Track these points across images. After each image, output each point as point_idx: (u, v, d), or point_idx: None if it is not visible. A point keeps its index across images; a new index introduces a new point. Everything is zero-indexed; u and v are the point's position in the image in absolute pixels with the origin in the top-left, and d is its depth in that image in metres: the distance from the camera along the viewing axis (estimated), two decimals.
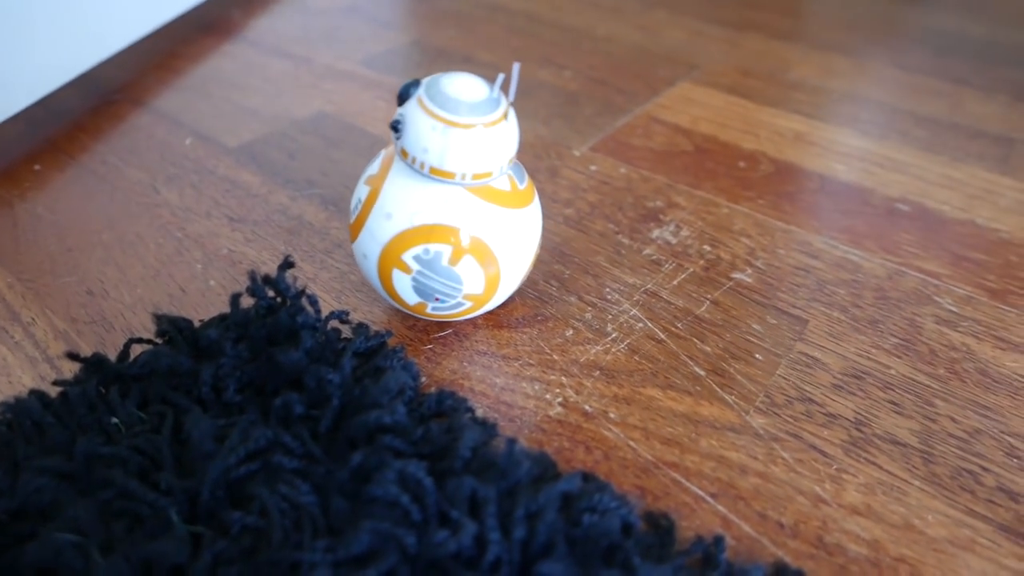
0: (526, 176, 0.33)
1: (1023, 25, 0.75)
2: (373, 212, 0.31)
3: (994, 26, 0.75)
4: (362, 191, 0.32)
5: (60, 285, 0.37)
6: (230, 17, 0.73)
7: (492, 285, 0.32)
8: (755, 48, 0.68)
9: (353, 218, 0.32)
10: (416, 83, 0.29)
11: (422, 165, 0.29)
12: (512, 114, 0.30)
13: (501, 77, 0.30)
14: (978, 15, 0.78)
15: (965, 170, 0.49)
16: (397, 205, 0.30)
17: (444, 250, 0.30)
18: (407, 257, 0.30)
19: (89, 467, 0.24)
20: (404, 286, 0.31)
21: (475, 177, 0.30)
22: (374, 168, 0.32)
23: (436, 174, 0.29)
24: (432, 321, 0.35)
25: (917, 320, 0.36)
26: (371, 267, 0.32)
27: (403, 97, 0.29)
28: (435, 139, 0.29)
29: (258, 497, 0.23)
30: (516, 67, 0.30)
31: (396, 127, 0.29)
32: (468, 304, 0.32)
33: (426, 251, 0.30)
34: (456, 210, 0.30)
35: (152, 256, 0.39)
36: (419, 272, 0.31)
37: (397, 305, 0.33)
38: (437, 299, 0.32)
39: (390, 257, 0.31)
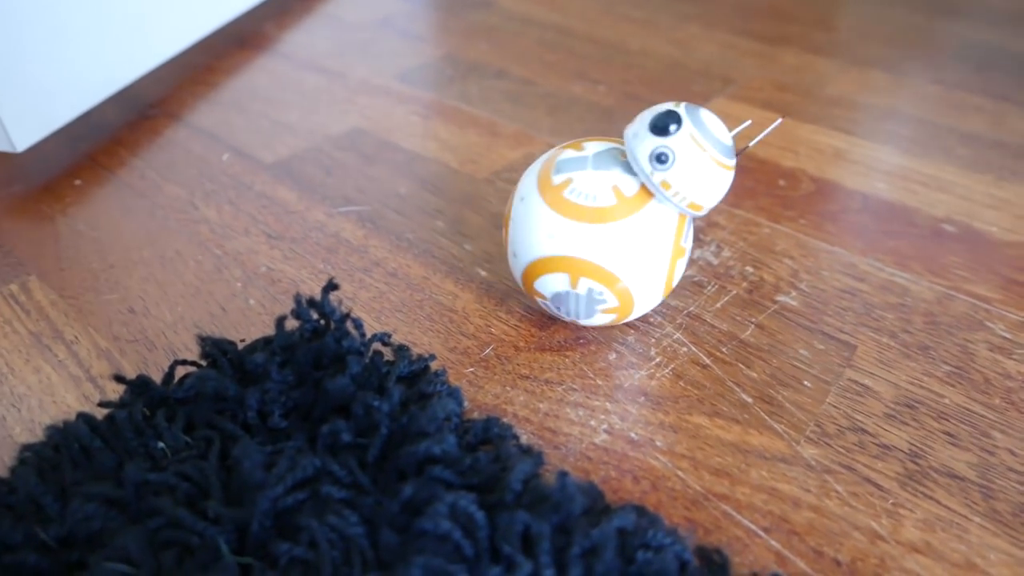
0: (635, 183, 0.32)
1: None
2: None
3: None
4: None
5: (102, 302, 0.37)
6: (265, 31, 0.74)
7: (626, 298, 0.32)
8: (791, 62, 0.68)
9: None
10: (676, 118, 0.29)
11: (683, 200, 0.30)
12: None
13: (745, 124, 0.33)
14: (1018, 29, 0.76)
15: (1011, 189, 0.48)
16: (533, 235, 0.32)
17: (606, 292, 0.32)
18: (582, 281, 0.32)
19: (138, 494, 0.24)
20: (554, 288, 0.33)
21: (691, 207, 0.30)
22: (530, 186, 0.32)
23: (692, 208, 0.30)
24: (473, 343, 0.35)
25: (969, 347, 0.35)
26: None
27: (662, 129, 0.29)
28: (707, 177, 0.29)
29: (307, 528, 0.23)
30: (777, 122, 0.32)
31: (663, 158, 0.29)
32: (614, 316, 0.33)
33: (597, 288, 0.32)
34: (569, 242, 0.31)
35: (192, 274, 0.39)
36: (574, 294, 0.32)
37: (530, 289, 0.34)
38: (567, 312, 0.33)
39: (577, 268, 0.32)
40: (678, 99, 0.59)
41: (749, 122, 0.33)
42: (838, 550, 0.26)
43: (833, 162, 0.51)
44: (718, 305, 0.38)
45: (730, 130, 0.31)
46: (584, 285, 0.31)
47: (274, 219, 0.44)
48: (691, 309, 0.37)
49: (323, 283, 0.33)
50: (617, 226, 0.30)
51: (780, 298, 0.38)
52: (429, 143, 0.53)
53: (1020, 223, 0.45)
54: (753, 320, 0.37)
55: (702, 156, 0.29)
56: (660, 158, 0.29)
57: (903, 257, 0.42)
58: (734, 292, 0.39)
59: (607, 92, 0.61)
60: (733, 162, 0.30)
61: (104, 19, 0.51)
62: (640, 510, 0.26)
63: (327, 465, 0.25)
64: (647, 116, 0.30)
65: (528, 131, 0.55)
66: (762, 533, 0.27)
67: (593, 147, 0.32)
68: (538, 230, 0.31)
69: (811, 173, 0.50)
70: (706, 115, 0.30)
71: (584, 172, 0.31)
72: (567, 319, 0.34)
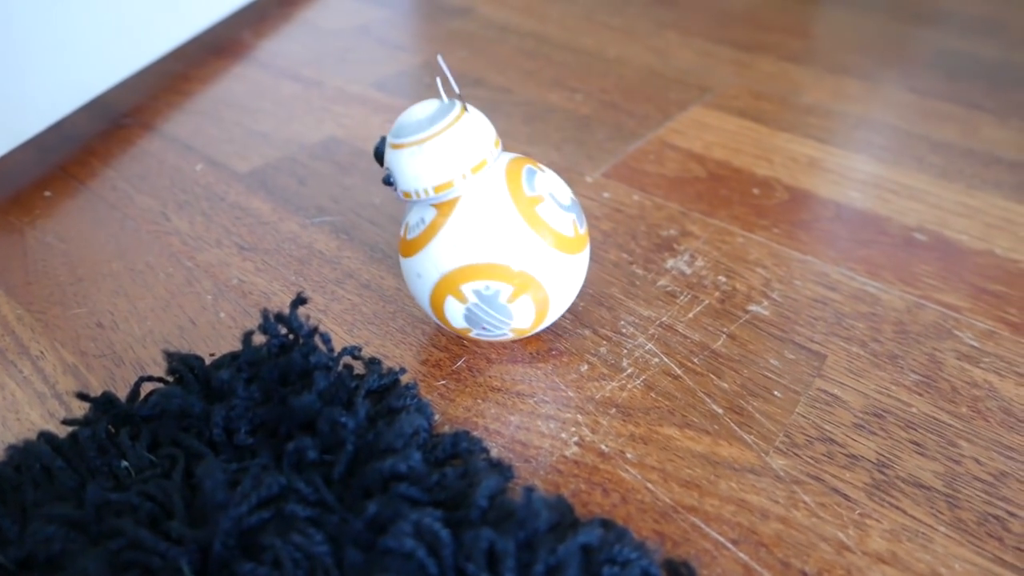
0: (584, 220, 0.34)
1: None
2: (439, 237, 0.31)
3: (1008, 49, 0.74)
4: (428, 212, 0.31)
5: (70, 317, 0.37)
6: (241, 39, 0.73)
7: (538, 321, 0.33)
8: (767, 70, 0.68)
9: (413, 235, 0.32)
10: (383, 141, 0.31)
11: (420, 193, 0.30)
12: (469, 114, 0.31)
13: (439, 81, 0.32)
14: (991, 37, 0.77)
15: (982, 198, 0.49)
16: (467, 238, 0.30)
17: (504, 288, 0.31)
18: (466, 288, 0.31)
19: (99, 515, 0.24)
20: (455, 313, 0.32)
21: (436, 190, 0.30)
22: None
23: (407, 196, 0.31)
24: (445, 355, 0.35)
25: (938, 355, 0.36)
26: (424, 288, 0.32)
27: (380, 153, 0.31)
28: (399, 165, 0.30)
29: (271, 547, 0.23)
30: (439, 58, 0.31)
31: (388, 181, 0.31)
32: (511, 335, 0.33)
33: (487, 287, 0.31)
34: (523, 252, 0.30)
35: (162, 287, 0.39)
36: (475, 304, 0.31)
37: (438, 321, 0.34)
38: (484, 328, 0.32)
39: (448, 285, 0.31)
40: (656, 108, 0.60)
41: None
42: (805, 561, 0.26)
43: (807, 171, 0.52)
44: (690, 315, 0.38)
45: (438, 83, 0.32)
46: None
47: (247, 230, 0.44)
48: (663, 319, 0.37)
49: (295, 296, 0.32)
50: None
51: (752, 308, 0.38)
52: None
53: (990, 232, 0.45)
54: (725, 330, 0.37)
55: (397, 156, 0.30)
56: (387, 181, 0.31)
57: (875, 266, 0.42)
58: (707, 302, 0.39)
59: (584, 101, 0.61)
60: (432, 131, 0.29)
61: (75, 27, 0.51)
62: (608, 524, 0.26)
63: (292, 483, 0.25)
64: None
65: (505, 140, 0.55)
66: (730, 545, 0.27)
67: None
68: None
69: (785, 182, 0.50)
70: (411, 107, 0.31)
71: None
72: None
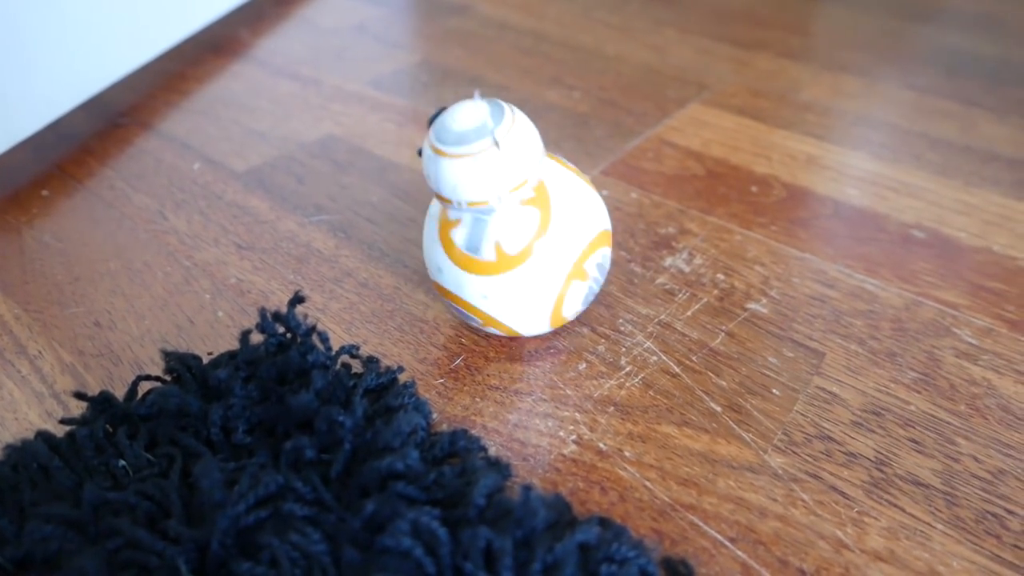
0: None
1: None
2: (552, 230, 0.31)
3: (1007, 45, 0.74)
4: (517, 216, 0.31)
5: (67, 316, 0.37)
6: (239, 37, 0.73)
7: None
8: (765, 67, 0.68)
9: (513, 249, 0.31)
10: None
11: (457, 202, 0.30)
12: (507, 143, 0.29)
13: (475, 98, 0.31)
14: (991, 34, 0.77)
15: (980, 195, 0.49)
16: (576, 218, 0.32)
17: (608, 251, 0.35)
18: (589, 264, 0.33)
19: (96, 514, 0.24)
20: (577, 296, 0.33)
21: (470, 205, 0.30)
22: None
23: (441, 199, 0.31)
24: (444, 354, 0.35)
25: (936, 353, 0.36)
26: (547, 287, 0.32)
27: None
28: (430, 169, 0.30)
29: (268, 546, 0.23)
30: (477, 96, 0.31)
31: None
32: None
33: (603, 255, 0.34)
34: (603, 212, 0.34)
35: (160, 286, 0.39)
36: (594, 279, 0.34)
37: (538, 327, 0.34)
38: (591, 298, 0.35)
39: (576, 270, 0.32)
40: (654, 105, 0.59)
41: (476, 96, 0.31)
42: (803, 559, 0.26)
43: (805, 168, 0.52)
44: (689, 313, 0.38)
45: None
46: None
47: (245, 229, 0.44)
48: (662, 317, 0.37)
49: (292, 294, 0.32)
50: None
51: (750, 305, 0.38)
52: (403, 150, 0.53)
53: (988, 229, 0.45)
54: (723, 328, 0.37)
55: (428, 153, 0.30)
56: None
57: (873, 264, 0.42)
58: (705, 300, 0.39)
59: (582, 98, 0.61)
60: (454, 149, 0.29)
61: (73, 25, 0.50)
62: (606, 522, 0.26)
63: (290, 482, 0.25)
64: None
65: None
66: (728, 543, 0.27)
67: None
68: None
69: (783, 179, 0.50)
70: (457, 106, 0.30)
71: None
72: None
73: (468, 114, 0.30)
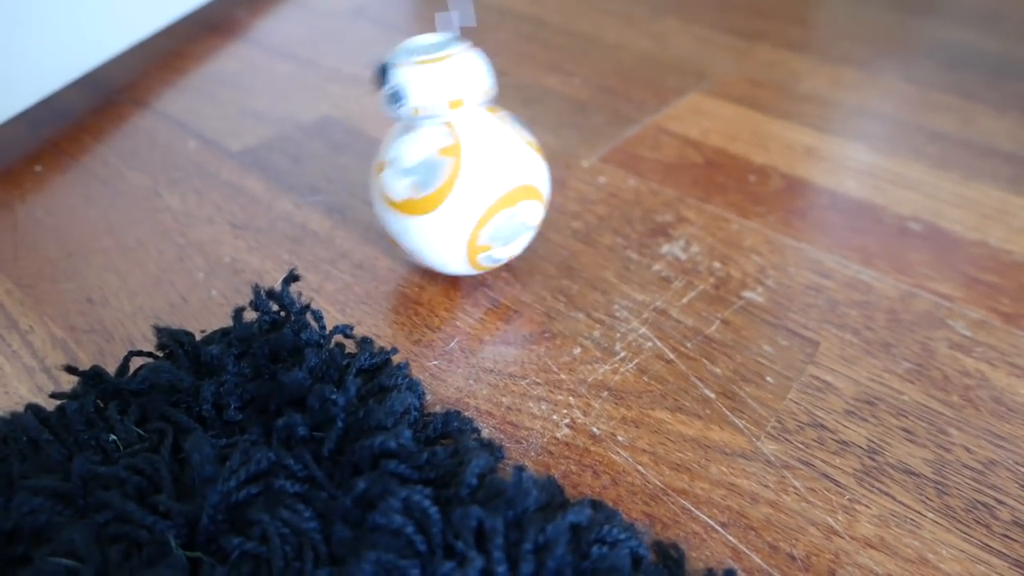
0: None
1: None
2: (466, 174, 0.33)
3: (1008, 40, 0.74)
4: (435, 162, 0.33)
5: (59, 292, 0.36)
6: (236, 17, 0.73)
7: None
8: (765, 58, 0.68)
9: (428, 190, 0.33)
10: (388, 64, 0.32)
11: (454, 103, 0.32)
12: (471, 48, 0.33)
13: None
14: (992, 29, 0.77)
15: (977, 188, 0.49)
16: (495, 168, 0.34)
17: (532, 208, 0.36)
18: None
19: (86, 488, 0.24)
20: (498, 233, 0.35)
21: (451, 106, 0.33)
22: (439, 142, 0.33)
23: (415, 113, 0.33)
24: (438, 336, 0.35)
25: (930, 344, 0.36)
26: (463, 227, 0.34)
27: (385, 72, 0.32)
28: (417, 80, 0.32)
29: (259, 522, 0.23)
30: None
31: (396, 98, 0.32)
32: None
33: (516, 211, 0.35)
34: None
35: (153, 263, 0.39)
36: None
37: (456, 269, 0.36)
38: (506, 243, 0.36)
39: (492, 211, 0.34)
40: (653, 93, 0.59)
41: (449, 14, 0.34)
42: (794, 545, 0.27)
43: (804, 159, 0.51)
44: (684, 300, 0.38)
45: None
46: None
47: (239, 208, 0.43)
48: (657, 304, 0.37)
49: (287, 273, 0.32)
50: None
51: (746, 294, 0.38)
52: None
53: (984, 222, 0.45)
54: (719, 316, 0.37)
55: (417, 67, 0.32)
56: (395, 97, 0.32)
57: (869, 254, 0.42)
58: (701, 288, 0.39)
59: (582, 85, 0.61)
60: (426, 57, 0.32)
61: (66, 2, 0.50)
62: (598, 505, 0.26)
63: (282, 459, 0.24)
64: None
65: None
66: (719, 528, 0.27)
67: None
68: None
69: (781, 170, 0.50)
70: (407, 42, 0.33)
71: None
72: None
73: (430, 37, 0.33)
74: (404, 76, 0.32)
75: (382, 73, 0.33)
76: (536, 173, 0.35)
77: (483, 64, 0.34)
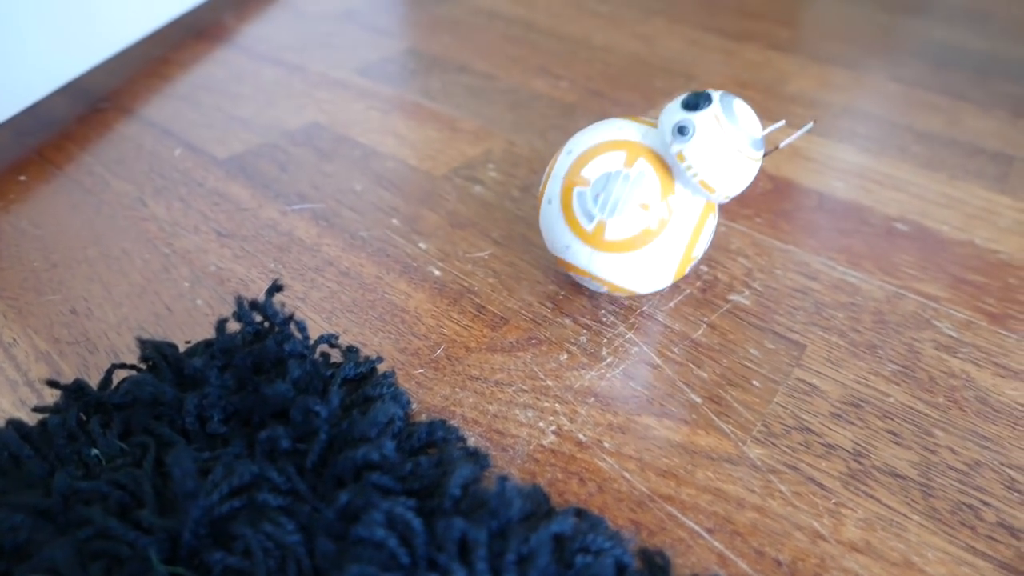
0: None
1: (1023, 39, 0.75)
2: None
3: (995, 39, 0.74)
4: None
5: (43, 303, 0.36)
6: (223, 22, 0.72)
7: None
8: (752, 59, 0.68)
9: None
10: (707, 98, 0.31)
11: (695, 175, 0.31)
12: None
13: (778, 124, 0.33)
14: (979, 28, 0.77)
15: (964, 188, 0.49)
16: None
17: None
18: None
19: (67, 503, 0.24)
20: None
21: (726, 198, 0.32)
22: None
23: (703, 186, 0.31)
24: (424, 344, 0.35)
25: (916, 345, 0.36)
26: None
27: (692, 105, 0.31)
28: (722, 158, 0.30)
29: (241, 537, 0.23)
30: (808, 127, 0.32)
31: (684, 131, 0.30)
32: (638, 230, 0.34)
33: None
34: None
35: (138, 273, 0.38)
36: None
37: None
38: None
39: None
40: (641, 95, 0.59)
41: (782, 122, 0.34)
42: (779, 550, 0.27)
43: (791, 160, 0.52)
44: (671, 304, 0.38)
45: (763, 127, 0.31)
46: (638, 168, 0.32)
47: (225, 216, 0.43)
48: (644, 308, 0.37)
49: (271, 283, 0.32)
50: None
51: (733, 297, 0.38)
52: (387, 139, 0.52)
53: (971, 222, 0.45)
54: (705, 319, 0.37)
55: (721, 136, 0.30)
56: (681, 130, 0.30)
57: (855, 256, 0.42)
58: (688, 291, 0.39)
59: (569, 88, 0.61)
60: (757, 155, 0.31)
61: (53, 7, 0.50)
62: (583, 513, 0.26)
63: (265, 471, 0.24)
64: (684, 94, 0.32)
65: (488, 127, 0.54)
66: (705, 534, 0.27)
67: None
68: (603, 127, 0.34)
69: (768, 171, 0.50)
70: (739, 104, 0.31)
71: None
72: (591, 219, 0.33)
73: (752, 117, 0.31)
74: (709, 129, 0.30)
75: (697, 100, 0.31)
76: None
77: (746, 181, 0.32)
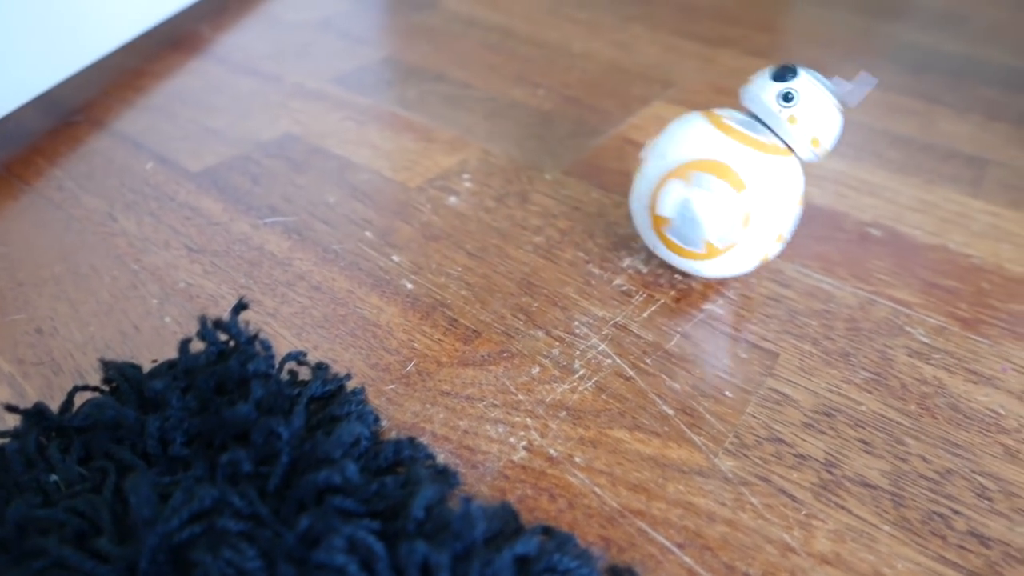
0: None
1: (998, 42, 0.76)
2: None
3: (970, 43, 0.75)
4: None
5: (8, 323, 0.36)
6: (199, 32, 0.72)
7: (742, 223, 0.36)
8: (730, 65, 0.68)
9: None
10: (792, 69, 0.34)
11: (807, 134, 0.34)
12: None
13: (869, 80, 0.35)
14: (954, 32, 0.78)
15: (938, 193, 0.49)
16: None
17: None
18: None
19: (22, 533, 0.23)
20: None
21: (825, 153, 0.37)
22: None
23: (813, 143, 0.35)
24: (395, 359, 0.34)
25: (888, 352, 0.36)
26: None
27: (782, 76, 0.34)
28: (827, 113, 0.34)
29: (201, 564, 0.22)
30: (874, 82, 0.34)
31: (789, 97, 0.34)
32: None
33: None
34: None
35: (106, 290, 0.38)
36: None
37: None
38: None
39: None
40: (618, 103, 0.59)
41: (874, 79, 0.35)
42: (750, 564, 0.26)
43: None
44: (645, 315, 0.37)
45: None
46: (717, 188, 0.34)
47: (196, 231, 0.43)
48: (618, 319, 0.37)
49: (237, 301, 0.32)
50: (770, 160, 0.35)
51: (707, 306, 0.38)
52: (362, 150, 0.52)
53: (944, 226, 0.46)
54: (679, 329, 0.37)
55: (823, 94, 0.34)
56: (787, 97, 0.34)
57: (829, 263, 0.42)
58: (662, 301, 0.38)
59: (546, 96, 0.61)
60: (842, 112, 0.35)
61: (23, 17, 0.49)
62: (551, 531, 0.25)
63: (226, 496, 0.24)
64: (765, 71, 0.35)
65: (464, 136, 0.54)
66: (676, 549, 0.27)
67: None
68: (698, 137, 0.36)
69: None
70: (815, 73, 0.35)
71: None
72: (679, 234, 0.36)
73: (831, 82, 0.35)
74: (811, 90, 0.34)
75: (784, 71, 0.34)
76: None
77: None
